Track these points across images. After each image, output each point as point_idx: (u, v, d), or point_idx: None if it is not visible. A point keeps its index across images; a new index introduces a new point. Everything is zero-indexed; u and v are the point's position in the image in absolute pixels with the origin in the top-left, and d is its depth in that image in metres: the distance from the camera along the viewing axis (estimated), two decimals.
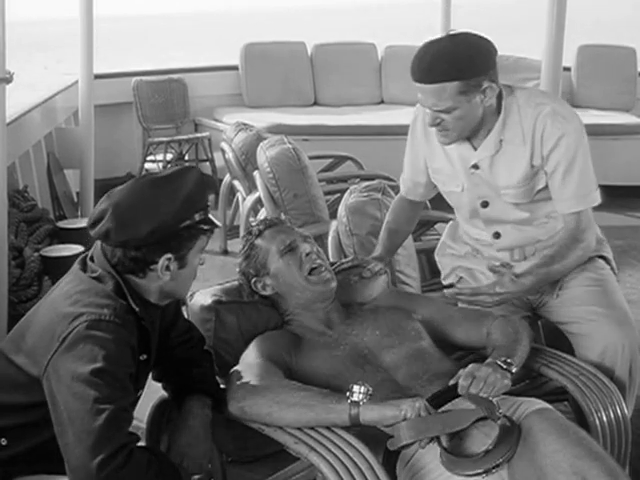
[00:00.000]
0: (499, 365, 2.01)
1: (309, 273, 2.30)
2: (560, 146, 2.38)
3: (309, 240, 2.38)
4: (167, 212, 1.89)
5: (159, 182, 1.95)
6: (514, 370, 2.02)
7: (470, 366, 2.00)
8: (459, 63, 2.28)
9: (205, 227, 1.97)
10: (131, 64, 11.91)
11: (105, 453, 1.70)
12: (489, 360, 2.06)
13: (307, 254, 2.32)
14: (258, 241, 2.35)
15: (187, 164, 6.81)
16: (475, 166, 2.48)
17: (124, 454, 1.72)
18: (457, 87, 2.27)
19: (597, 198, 2.47)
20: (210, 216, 1.99)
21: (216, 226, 2.00)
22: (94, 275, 1.92)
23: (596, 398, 2.16)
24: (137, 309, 1.91)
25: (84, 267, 1.96)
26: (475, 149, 2.47)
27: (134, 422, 1.87)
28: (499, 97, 2.39)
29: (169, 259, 1.92)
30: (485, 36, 2.36)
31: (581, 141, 2.42)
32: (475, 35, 2.35)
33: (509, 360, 2.04)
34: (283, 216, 2.55)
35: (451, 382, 2.00)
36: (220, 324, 2.32)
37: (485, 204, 2.54)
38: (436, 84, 2.28)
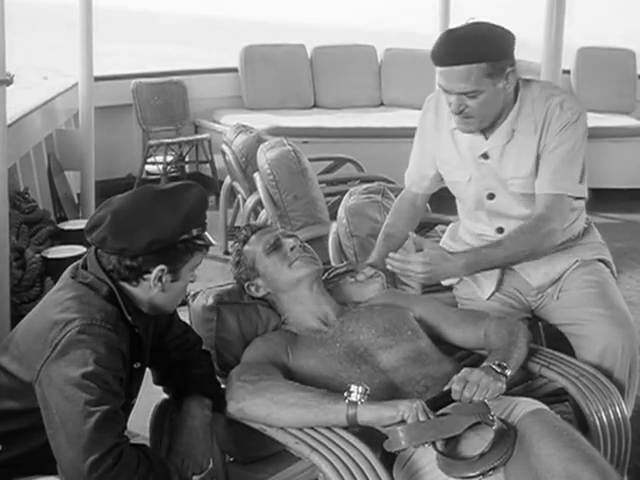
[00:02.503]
0: (493, 369, 2.01)
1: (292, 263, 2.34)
2: (562, 132, 2.41)
3: (293, 236, 2.42)
4: (167, 225, 1.90)
5: (161, 195, 1.97)
6: (509, 373, 2.03)
7: (463, 370, 2.01)
8: (485, 45, 2.30)
9: (201, 243, 1.99)
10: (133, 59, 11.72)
11: (96, 455, 1.72)
12: (484, 364, 2.07)
13: (292, 248, 2.36)
14: (246, 247, 2.40)
15: (187, 165, 6.82)
16: (485, 155, 2.49)
17: (114, 455, 1.74)
18: (484, 69, 2.28)
19: (573, 190, 2.43)
20: (207, 234, 2.02)
21: (211, 244, 2.03)
22: (86, 282, 1.93)
23: (596, 399, 2.17)
24: (129, 317, 1.92)
25: (75, 274, 1.97)
26: (486, 138, 2.48)
27: (131, 428, 1.88)
28: (516, 87, 2.42)
29: (162, 270, 1.94)
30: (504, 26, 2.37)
31: (580, 133, 2.43)
32: (494, 24, 2.37)
33: (504, 363, 2.05)
34: (269, 221, 2.58)
35: (445, 388, 2.01)
36: (222, 324, 2.33)
37: (491, 196, 2.55)
38: (463, 65, 2.28)
